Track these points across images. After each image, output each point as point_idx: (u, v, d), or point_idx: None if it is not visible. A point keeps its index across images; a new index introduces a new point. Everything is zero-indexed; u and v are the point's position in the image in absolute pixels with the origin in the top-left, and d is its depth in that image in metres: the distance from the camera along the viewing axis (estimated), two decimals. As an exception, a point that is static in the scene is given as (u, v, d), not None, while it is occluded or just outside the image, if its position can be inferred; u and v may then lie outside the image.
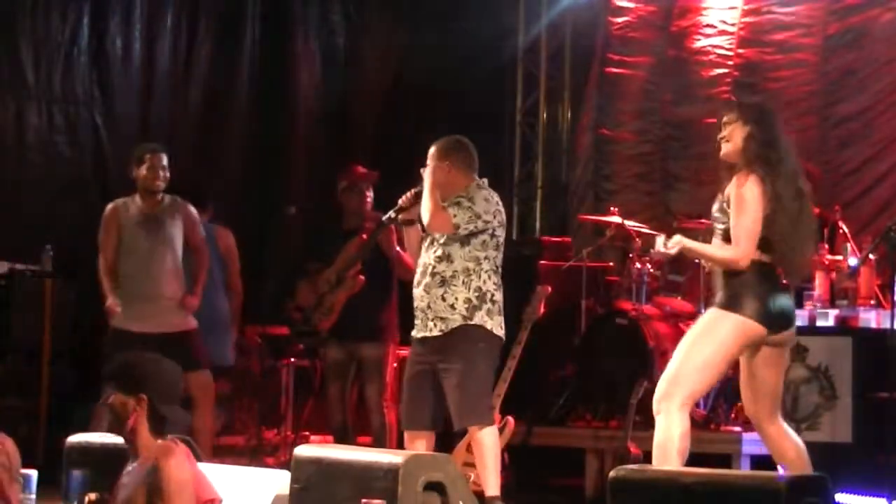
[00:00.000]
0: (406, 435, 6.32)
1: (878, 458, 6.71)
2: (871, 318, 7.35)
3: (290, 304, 8.44)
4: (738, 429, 7.62)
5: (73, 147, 10.07)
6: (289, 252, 10.44)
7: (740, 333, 5.37)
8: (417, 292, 6.29)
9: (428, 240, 6.31)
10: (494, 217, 6.26)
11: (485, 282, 6.23)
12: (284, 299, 9.03)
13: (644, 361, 7.89)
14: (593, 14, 10.71)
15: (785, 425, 5.64)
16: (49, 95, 9.97)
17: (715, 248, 5.54)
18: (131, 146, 10.18)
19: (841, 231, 7.88)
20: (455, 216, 6.17)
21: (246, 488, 4.82)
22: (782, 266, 5.47)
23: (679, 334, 8.08)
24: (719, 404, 7.92)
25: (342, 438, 7.74)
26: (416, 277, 6.33)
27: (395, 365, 7.89)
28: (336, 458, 4.76)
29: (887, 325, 6.87)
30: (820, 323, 7.42)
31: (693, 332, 5.52)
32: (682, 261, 7.54)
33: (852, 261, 7.51)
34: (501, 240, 6.32)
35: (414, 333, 6.35)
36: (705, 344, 5.41)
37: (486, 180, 6.39)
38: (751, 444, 7.30)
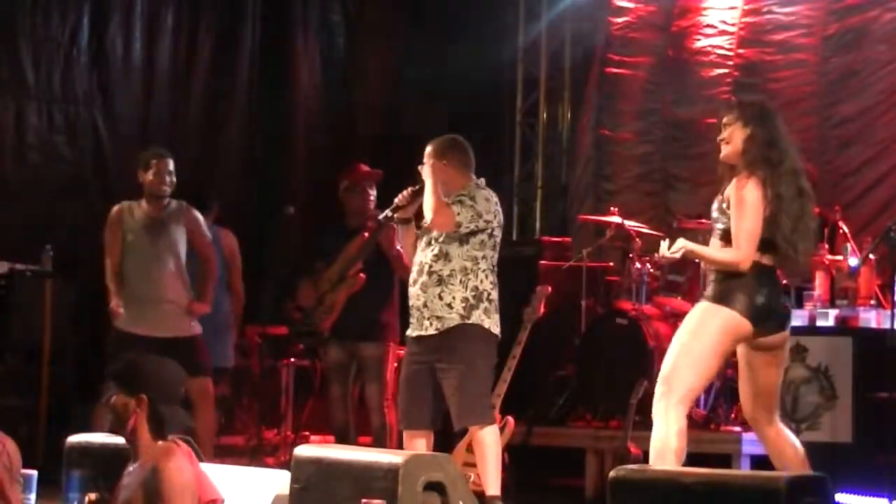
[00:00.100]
0: (405, 435, 6.32)
1: (878, 458, 6.70)
2: (871, 318, 7.35)
3: (290, 304, 8.44)
4: (738, 429, 7.62)
5: (73, 147, 10.07)
6: (289, 252, 10.43)
7: (730, 328, 5.36)
8: (414, 291, 6.28)
9: (425, 239, 6.31)
10: (494, 217, 6.27)
11: (482, 281, 6.23)
12: (284, 299, 9.03)
13: (644, 361, 7.89)
14: (593, 14, 10.71)
15: (783, 427, 5.64)
16: (49, 95, 9.97)
17: (716, 251, 5.53)
18: (131, 146, 10.24)
19: (841, 231, 7.88)
20: (458, 214, 6.17)
21: (246, 488, 4.82)
22: (784, 266, 5.47)
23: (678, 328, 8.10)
24: (719, 404, 7.93)
25: (343, 438, 7.74)
26: (413, 276, 6.33)
27: (395, 364, 7.89)
28: (336, 458, 4.76)
29: (887, 325, 6.87)
30: (820, 323, 7.42)
31: (684, 329, 5.50)
32: (682, 261, 7.53)
33: (852, 261, 7.51)
34: (498, 240, 6.33)
35: (409, 332, 6.35)
36: (697, 340, 5.40)
37: (483, 180, 6.40)
38: (751, 444, 7.30)
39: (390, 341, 7.82)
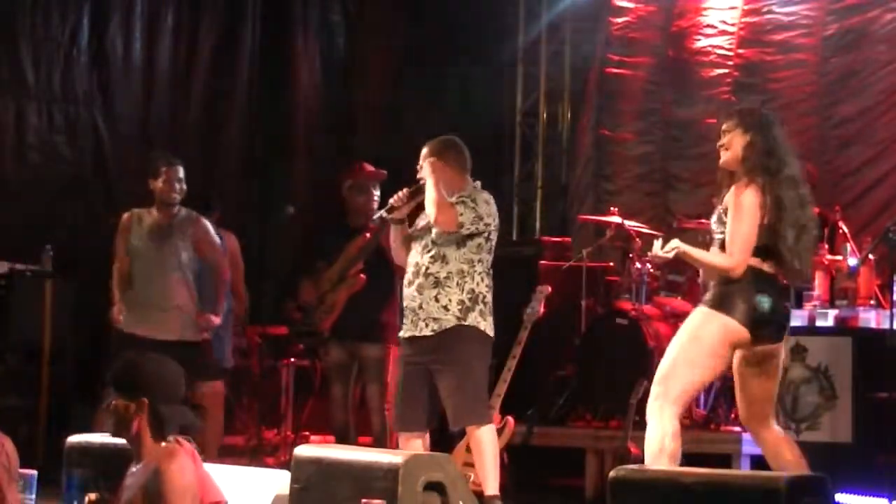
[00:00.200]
0: (401, 437, 6.33)
1: (878, 458, 6.70)
2: (870, 318, 7.35)
3: (290, 304, 8.44)
4: (738, 429, 7.61)
5: (73, 147, 10.08)
6: (289, 252, 10.44)
7: (727, 335, 5.36)
8: (409, 292, 6.28)
9: (422, 240, 6.31)
10: (493, 220, 6.29)
11: (478, 284, 6.24)
12: (284, 299, 9.03)
13: (644, 361, 7.89)
14: (593, 14, 10.71)
15: (780, 430, 5.64)
16: (49, 95, 9.97)
17: (709, 255, 5.53)
18: (131, 146, 10.26)
19: (841, 231, 7.88)
20: (461, 214, 6.18)
21: (246, 488, 4.82)
22: (784, 273, 5.46)
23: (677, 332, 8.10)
24: (719, 404, 7.92)
25: (344, 438, 7.74)
26: (408, 277, 6.32)
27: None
28: (336, 458, 4.77)
29: (887, 325, 6.88)
30: (820, 323, 7.42)
31: (683, 332, 5.50)
32: (682, 261, 7.52)
33: (852, 261, 7.51)
34: (494, 243, 6.35)
35: (402, 333, 6.35)
36: (694, 343, 5.40)
37: (479, 182, 6.41)
38: (751, 444, 7.27)
39: (391, 342, 7.81)
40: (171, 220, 7.60)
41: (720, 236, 5.47)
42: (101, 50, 10.19)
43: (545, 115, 11.19)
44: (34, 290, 8.85)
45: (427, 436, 6.30)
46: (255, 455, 8.98)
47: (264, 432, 9.45)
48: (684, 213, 8.67)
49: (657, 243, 5.51)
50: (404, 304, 6.34)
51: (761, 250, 5.38)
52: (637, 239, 8.50)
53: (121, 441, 4.67)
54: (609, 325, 8.38)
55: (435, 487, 4.51)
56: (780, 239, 5.37)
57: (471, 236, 6.22)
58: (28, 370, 8.81)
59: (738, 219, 5.37)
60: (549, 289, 7.67)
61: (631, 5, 10.47)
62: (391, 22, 11.45)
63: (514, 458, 7.54)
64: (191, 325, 7.54)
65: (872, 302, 7.46)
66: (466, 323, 6.19)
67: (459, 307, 6.19)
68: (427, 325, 6.21)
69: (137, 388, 4.53)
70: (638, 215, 9.46)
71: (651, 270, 8.42)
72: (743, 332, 5.34)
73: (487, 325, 6.25)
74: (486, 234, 6.26)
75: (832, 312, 7.44)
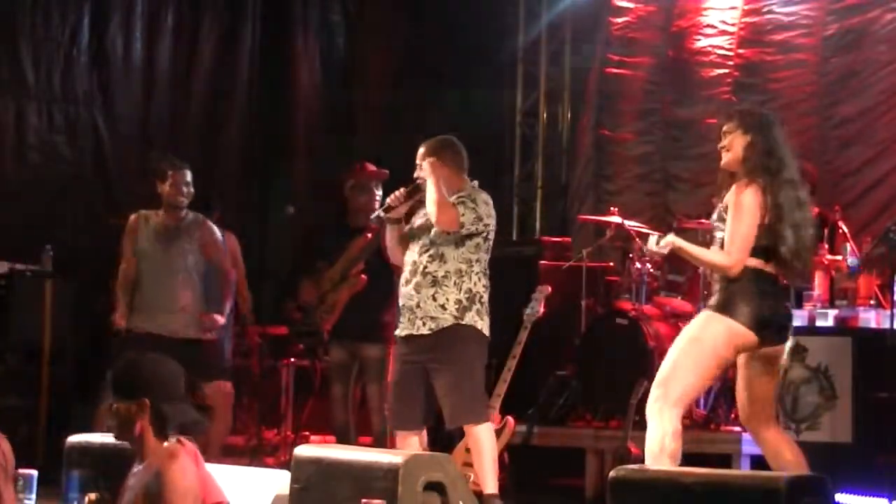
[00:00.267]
0: (398, 435, 6.33)
1: (878, 458, 6.70)
2: (870, 318, 7.34)
3: (290, 304, 8.44)
4: (738, 429, 7.60)
5: (73, 147, 10.08)
6: (289, 252, 10.44)
7: (732, 338, 5.36)
8: (406, 291, 6.29)
9: (420, 239, 6.31)
10: (491, 221, 6.31)
11: (475, 283, 6.25)
12: (284, 299, 9.04)
13: (644, 361, 7.89)
14: (593, 14, 10.70)
15: (781, 430, 5.64)
16: (49, 95, 9.98)
17: (705, 251, 5.54)
18: (131, 146, 10.26)
19: (841, 231, 7.88)
20: (463, 215, 6.19)
21: (246, 488, 4.82)
22: (784, 273, 5.46)
23: (679, 334, 8.09)
24: (719, 404, 7.92)
25: (344, 438, 7.75)
26: (405, 276, 6.33)
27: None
28: (336, 458, 4.76)
29: (887, 325, 6.88)
30: (819, 323, 7.41)
31: (685, 335, 5.51)
32: (682, 260, 7.52)
33: (852, 261, 7.51)
34: (491, 243, 6.37)
35: (398, 332, 6.36)
36: (697, 347, 5.40)
37: (476, 182, 6.41)
38: (751, 444, 7.27)
39: (392, 342, 7.81)
40: (179, 223, 7.63)
41: (721, 234, 5.48)
42: (101, 50, 10.19)
43: (545, 115, 11.19)
44: (34, 290, 8.85)
45: (424, 433, 6.31)
46: (255, 455, 8.98)
47: (264, 432, 9.45)
48: (684, 213, 8.66)
49: (653, 238, 5.52)
50: (401, 302, 6.34)
51: (762, 251, 5.39)
52: (637, 239, 8.50)
53: (121, 441, 4.67)
54: (609, 325, 8.38)
55: (435, 487, 4.51)
56: (780, 239, 5.37)
57: (469, 236, 6.23)
58: (28, 370, 8.82)
59: (737, 218, 5.37)
60: (549, 289, 7.68)
61: (631, 5, 10.47)
62: (391, 22, 11.45)
63: (514, 458, 7.54)
64: (197, 326, 7.56)
65: (872, 302, 7.46)
66: (464, 322, 6.20)
67: (457, 306, 6.20)
68: (424, 324, 6.21)
69: (137, 388, 4.53)
70: (638, 215, 9.45)
71: (651, 270, 8.42)
72: (749, 335, 5.34)
73: (484, 325, 6.27)
74: (484, 234, 6.28)
75: (832, 312, 7.43)
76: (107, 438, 4.97)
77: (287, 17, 11.15)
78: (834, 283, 7.60)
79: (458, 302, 6.20)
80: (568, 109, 11.14)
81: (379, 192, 7.89)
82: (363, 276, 7.71)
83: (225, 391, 7.59)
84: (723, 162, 5.56)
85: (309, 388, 9.30)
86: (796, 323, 6.68)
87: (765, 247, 5.38)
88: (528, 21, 11.10)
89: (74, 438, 5.31)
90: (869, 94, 9.17)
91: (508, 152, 11.19)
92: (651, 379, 5.53)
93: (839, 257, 7.67)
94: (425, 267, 6.25)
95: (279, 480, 4.85)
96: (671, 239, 5.46)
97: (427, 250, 6.27)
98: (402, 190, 6.37)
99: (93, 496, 4.57)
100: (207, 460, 4.70)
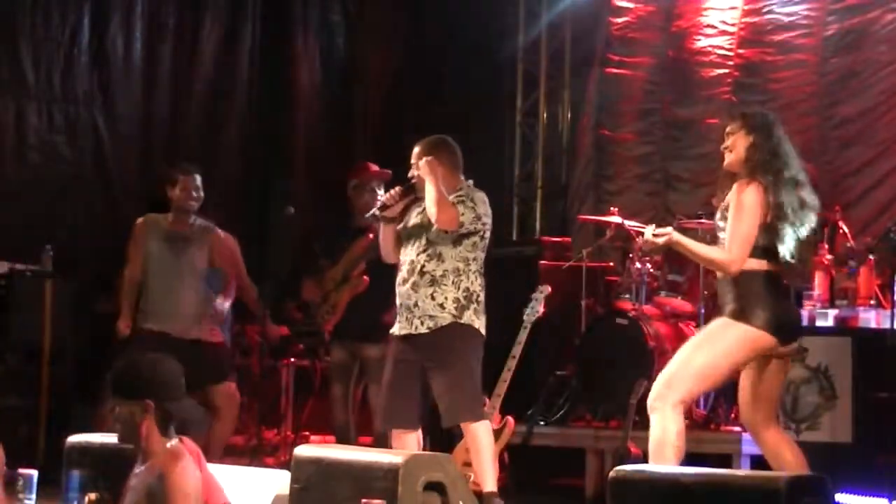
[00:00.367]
0: (393, 434, 6.33)
1: (878, 458, 6.70)
2: (870, 318, 7.35)
3: (290, 304, 8.44)
4: (738, 429, 7.61)
5: (73, 147, 10.08)
6: (289, 252, 10.44)
7: (748, 342, 5.37)
8: (404, 290, 6.29)
9: (418, 239, 6.31)
10: (489, 220, 6.32)
11: (472, 282, 6.27)
12: (284, 299, 9.03)
13: (644, 361, 7.89)
14: (593, 14, 10.70)
15: (781, 430, 5.64)
16: (49, 95, 9.97)
17: (705, 247, 5.55)
18: (131, 146, 10.26)
19: (841, 231, 7.88)
20: (462, 214, 6.20)
21: (246, 488, 4.82)
22: (784, 274, 5.46)
23: (679, 334, 8.10)
24: (719, 404, 7.92)
25: (344, 438, 7.74)
26: (402, 275, 6.34)
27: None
28: (336, 458, 4.76)
29: (887, 325, 6.88)
30: (820, 323, 7.42)
31: (698, 337, 5.53)
32: (682, 260, 7.51)
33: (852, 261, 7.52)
34: (487, 242, 6.38)
35: (395, 331, 6.36)
36: (708, 349, 5.41)
37: (471, 181, 6.42)
38: (751, 444, 7.27)
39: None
40: (188, 229, 7.65)
41: (724, 235, 5.48)
42: (101, 50, 10.19)
43: (545, 115, 11.19)
44: (34, 290, 8.85)
45: (419, 432, 6.32)
46: (255, 455, 8.97)
47: (264, 432, 9.44)
48: (684, 213, 8.66)
49: (649, 229, 5.53)
50: (398, 301, 6.35)
51: (764, 251, 5.39)
52: (637, 239, 8.50)
53: (125, 444, 4.66)
54: (609, 325, 8.37)
55: (435, 487, 4.51)
56: (780, 239, 5.38)
57: (467, 235, 6.25)
58: (28, 370, 8.81)
59: (738, 217, 5.38)
60: (549, 289, 7.67)
61: (631, 5, 10.47)
62: (391, 22, 11.45)
63: (514, 458, 7.54)
64: (205, 328, 7.57)
65: (872, 302, 7.46)
66: (462, 321, 6.21)
67: (455, 305, 6.20)
68: (423, 323, 6.22)
69: (137, 389, 4.53)
70: (638, 215, 9.44)
71: (651, 270, 8.42)
72: (767, 338, 5.35)
73: (481, 324, 6.28)
74: (481, 234, 6.30)
75: (832, 312, 7.44)
76: (107, 438, 4.98)
77: (287, 17, 11.15)
78: (834, 283, 7.60)
79: (457, 301, 6.21)
80: (568, 109, 11.13)
81: (381, 193, 7.88)
82: (366, 278, 7.71)
83: (231, 392, 7.59)
84: (725, 163, 5.57)
85: (309, 388, 9.30)
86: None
87: (766, 247, 5.38)
88: (528, 21, 11.10)
89: (74, 438, 5.31)
90: (869, 94, 9.17)
91: (508, 152, 11.18)
92: (651, 379, 5.54)
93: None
94: (423, 266, 6.25)
95: (279, 480, 4.85)
96: (668, 231, 5.47)
97: (425, 249, 6.28)
98: (397, 189, 6.38)
99: (93, 496, 4.57)
100: (210, 460, 4.70)
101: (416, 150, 6.36)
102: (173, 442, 4.53)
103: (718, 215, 5.56)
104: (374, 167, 8.01)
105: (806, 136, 9.09)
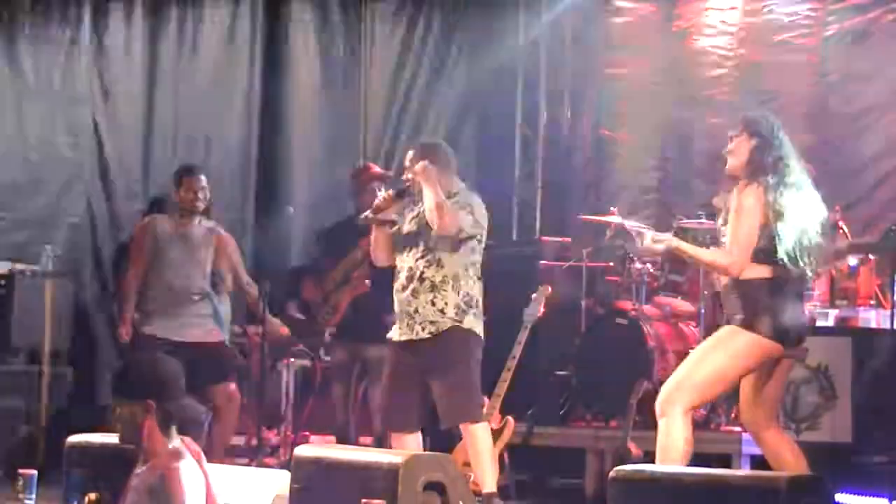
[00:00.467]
0: (393, 437, 6.33)
1: (878, 458, 6.70)
2: (870, 318, 7.35)
3: (290, 304, 8.43)
4: (738, 429, 7.61)
5: (73, 147, 10.07)
6: (289, 252, 10.43)
7: (756, 349, 5.37)
8: (403, 296, 6.29)
9: (416, 244, 6.30)
10: (486, 223, 6.33)
11: (471, 287, 6.29)
12: (285, 299, 9.02)
13: (644, 361, 7.89)
14: (593, 14, 10.70)
15: (781, 430, 5.64)
16: (49, 95, 9.96)
17: (707, 251, 5.55)
18: (131, 146, 10.24)
19: (841, 231, 7.88)
20: (462, 219, 6.19)
21: (246, 488, 4.82)
22: (786, 276, 5.46)
23: (679, 334, 8.10)
24: (719, 404, 7.92)
25: (344, 438, 7.75)
26: (401, 281, 6.33)
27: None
28: (336, 458, 4.77)
29: (887, 325, 6.88)
30: (820, 323, 7.42)
31: (707, 343, 5.53)
32: (682, 261, 7.51)
33: (852, 261, 7.51)
34: (483, 245, 6.38)
35: (395, 336, 6.35)
36: (718, 356, 5.41)
37: (465, 184, 6.42)
38: (751, 444, 7.27)
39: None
40: (194, 230, 7.64)
41: (725, 238, 5.48)
42: (101, 49, 10.18)
43: (545, 115, 11.18)
44: (34, 290, 8.85)
45: (419, 434, 6.32)
46: (255, 455, 8.97)
47: (264, 432, 9.43)
48: (684, 213, 8.66)
49: (649, 234, 5.53)
50: (397, 308, 6.34)
51: (766, 254, 5.38)
52: (637, 239, 8.48)
53: (126, 445, 4.65)
54: (609, 325, 8.38)
55: (435, 487, 4.52)
56: (780, 241, 5.37)
57: (465, 240, 6.25)
58: (28, 371, 8.81)
59: (739, 219, 5.38)
60: (549, 289, 7.67)
61: (631, 5, 10.47)
62: (391, 22, 11.43)
63: (514, 458, 7.53)
64: (208, 328, 7.58)
65: (872, 302, 7.46)
66: (463, 325, 6.22)
67: (456, 310, 6.22)
68: (424, 329, 6.22)
69: (138, 389, 4.53)
70: (638, 215, 9.44)
71: (651, 270, 8.42)
72: (774, 346, 5.38)
73: (480, 329, 6.32)
74: (478, 238, 6.32)
75: (832, 312, 7.44)
76: (107, 438, 4.97)
77: (287, 17, 11.13)
78: (834, 283, 7.60)
79: (457, 306, 6.22)
80: (568, 109, 11.12)
81: (381, 194, 7.88)
82: (367, 280, 7.70)
83: (231, 392, 7.59)
84: (728, 166, 5.57)
85: (309, 388, 9.29)
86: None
87: (768, 249, 5.38)
88: (528, 21, 11.09)
89: (74, 438, 5.31)
90: (869, 94, 9.17)
91: (508, 152, 11.17)
92: (651, 379, 5.54)
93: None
94: (422, 272, 6.25)
95: (279, 480, 4.85)
96: (668, 237, 5.47)
97: (423, 256, 6.27)
98: (390, 192, 6.37)
99: (93, 496, 4.57)
100: (210, 461, 4.70)
101: (411, 154, 6.36)
102: (175, 442, 4.52)
103: (720, 220, 5.56)
104: (376, 168, 8.02)
105: (806, 136, 9.08)
